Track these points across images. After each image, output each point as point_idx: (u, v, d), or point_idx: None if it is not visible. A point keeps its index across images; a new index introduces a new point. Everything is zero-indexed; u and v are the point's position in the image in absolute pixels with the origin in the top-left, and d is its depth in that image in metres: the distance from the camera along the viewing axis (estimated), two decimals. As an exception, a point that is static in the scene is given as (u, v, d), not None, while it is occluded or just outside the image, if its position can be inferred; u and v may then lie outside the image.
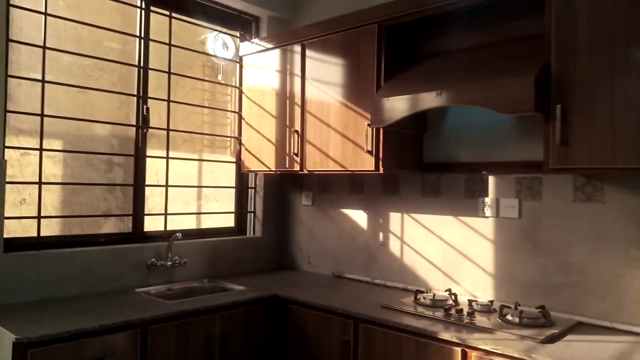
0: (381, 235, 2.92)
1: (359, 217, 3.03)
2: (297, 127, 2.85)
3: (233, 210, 3.36)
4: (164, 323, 2.18)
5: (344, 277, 3.07)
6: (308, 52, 2.81)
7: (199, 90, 3.31)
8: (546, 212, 2.29)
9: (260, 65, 3.08)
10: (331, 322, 2.37)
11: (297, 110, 2.86)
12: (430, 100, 2.17)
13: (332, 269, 3.16)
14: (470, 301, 2.34)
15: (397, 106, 2.28)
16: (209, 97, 3.40)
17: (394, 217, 2.86)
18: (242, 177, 3.37)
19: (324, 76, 2.73)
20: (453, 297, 2.38)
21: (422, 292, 2.47)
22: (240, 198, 3.38)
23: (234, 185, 3.36)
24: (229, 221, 3.33)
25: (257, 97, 3.10)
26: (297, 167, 2.85)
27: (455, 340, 1.93)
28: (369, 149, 2.49)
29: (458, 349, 1.92)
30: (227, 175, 3.36)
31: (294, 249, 3.39)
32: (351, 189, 3.08)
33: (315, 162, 2.76)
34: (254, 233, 3.38)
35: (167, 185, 2.96)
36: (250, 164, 3.13)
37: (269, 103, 3.02)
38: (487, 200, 2.47)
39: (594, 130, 1.82)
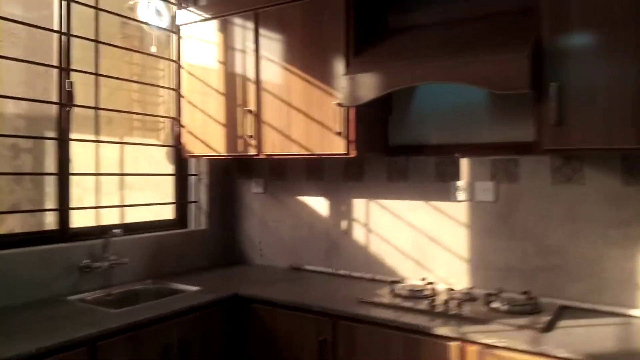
0: (344, 223, 2.73)
1: (319, 204, 2.81)
2: (252, 106, 2.56)
3: (172, 200, 2.99)
4: (115, 337, 1.83)
5: (303, 269, 2.85)
6: (262, 24, 2.52)
7: (126, 64, 2.89)
8: (523, 195, 2.23)
9: (203, 37, 2.73)
10: (304, 321, 2.15)
11: (251, 88, 2.56)
12: (412, 76, 2.00)
13: (289, 260, 2.92)
14: (449, 289, 2.24)
15: (374, 83, 2.08)
16: (138, 72, 2.99)
17: (358, 204, 2.68)
18: (181, 163, 3.01)
19: (282, 50, 2.46)
20: (430, 286, 2.26)
21: (397, 282, 2.33)
22: (180, 187, 3.01)
23: (172, 172, 2.99)
24: (164, 213, 2.95)
25: (200, 73, 2.75)
26: (252, 151, 2.57)
27: (451, 334, 1.80)
28: (338, 130, 2.28)
29: (455, 344, 1.79)
30: (154, 161, 2.98)
31: (244, 241, 3.11)
32: (309, 175, 2.85)
33: (274, 146, 2.49)
34: (198, 225, 3.04)
35: (97, 174, 2.55)
36: (194, 148, 2.78)
37: (216, 80, 2.69)
38: (460, 183, 2.37)
39: (589, 109, 1.75)
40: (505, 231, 2.27)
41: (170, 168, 2.98)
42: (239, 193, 3.13)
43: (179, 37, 2.92)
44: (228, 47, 2.65)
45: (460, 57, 1.91)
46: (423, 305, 2.06)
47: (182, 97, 2.84)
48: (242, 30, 2.59)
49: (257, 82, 2.55)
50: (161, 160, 3.00)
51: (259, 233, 3.05)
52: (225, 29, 2.65)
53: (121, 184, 2.86)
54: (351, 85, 2.14)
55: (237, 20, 2.60)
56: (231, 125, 2.64)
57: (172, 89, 2.97)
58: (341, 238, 2.74)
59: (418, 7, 2.35)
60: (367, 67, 2.14)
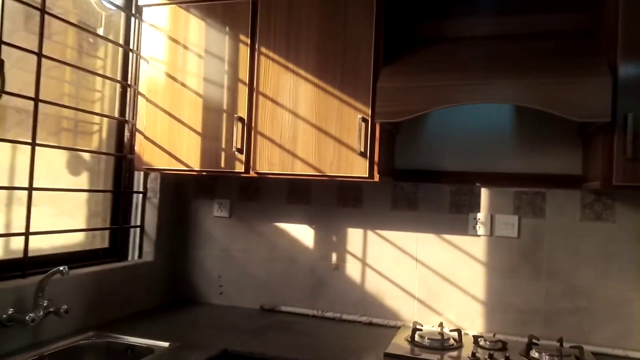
0: (334, 257, 2.35)
1: (303, 233, 2.40)
2: (242, 113, 2.08)
3: (101, 223, 2.34)
4: None
5: (277, 311, 2.39)
6: (263, 12, 2.07)
7: (59, 45, 2.22)
8: (549, 231, 2.07)
9: (176, 23, 2.19)
10: (325, 385, 1.72)
11: (243, 91, 2.09)
12: (472, 94, 1.73)
13: (257, 300, 2.44)
14: (475, 337, 1.98)
15: (422, 98, 1.78)
16: (73, 58, 2.33)
17: (354, 234, 2.32)
18: (120, 177, 2.38)
19: (288, 48, 2.04)
20: (452, 333, 1.99)
21: (420, 329, 2.01)
22: (119, 206, 2.37)
23: (111, 188, 2.35)
24: (84, 239, 2.28)
25: (169, 67, 2.20)
26: (239, 168, 2.08)
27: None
28: (361, 149, 1.92)
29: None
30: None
31: (198, 276, 2.55)
32: (292, 198, 2.42)
33: (272, 163, 2.04)
34: (140, 256, 2.42)
35: (31, 189, 1.86)
36: (153, 159, 2.20)
37: (192, 78, 2.16)
38: (480, 216, 2.15)
39: (666, 145, 1.64)
40: (528, 270, 2.09)
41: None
42: (196, 217, 2.57)
43: (139, 21, 2.33)
44: (211, 38, 2.14)
45: (530, 77, 1.69)
46: (453, 358, 1.77)
47: (142, 95, 2.24)
48: (233, 18, 2.11)
49: (251, 84, 2.08)
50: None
51: (219, 266, 2.52)
52: (209, 15, 2.15)
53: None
54: (390, 97, 1.81)
55: (226, 6, 2.12)
56: (211, 135, 2.12)
57: (126, 85, 2.35)
58: (330, 274, 2.35)
59: (452, 17, 2.11)
60: (409, 79, 1.83)
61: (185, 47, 2.18)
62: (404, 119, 1.81)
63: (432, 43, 2.03)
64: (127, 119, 2.35)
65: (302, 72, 2.01)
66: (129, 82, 2.35)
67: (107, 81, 2.33)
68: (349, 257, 2.32)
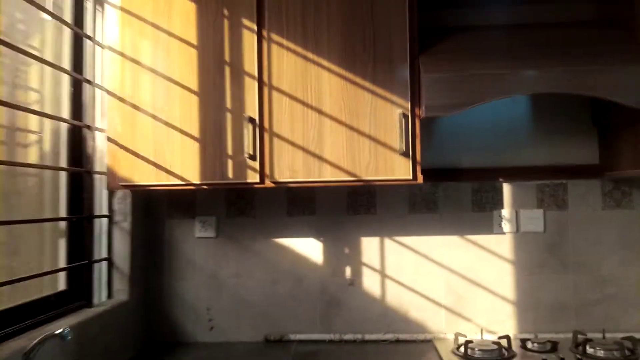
0: (348, 271, 2.09)
1: (309, 248, 2.10)
2: (253, 112, 1.73)
3: (57, 259, 1.82)
4: None
5: (287, 341, 2.07)
6: (267, -7, 1.75)
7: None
8: (573, 223, 2.04)
9: (151, 3, 1.76)
10: None
11: (251, 86, 1.74)
12: (527, 83, 1.60)
13: (259, 331, 2.09)
14: (523, 341, 1.87)
15: (476, 88, 1.60)
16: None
17: (369, 244, 2.09)
18: (78, 198, 1.87)
19: (306, 35, 1.74)
20: (500, 340, 1.86)
21: (470, 341, 1.84)
22: (79, 236, 1.86)
23: (65, 214, 1.83)
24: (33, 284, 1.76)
25: (149, 57, 1.76)
26: (252, 178, 1.73)
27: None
28: (402, 148, 1.69)
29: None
30: None
31: (181, 312, 2.11)
32: (293, 208, 2.11)
33: (294, 169, 1.72)
34: (110, 296, 1.93)
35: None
36: (134, 173, 1.75)
37: (181, 70, 1.75)
38: (505, 212, 2.05)
39: None
40: (556, 264, 2.04)
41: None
42: (173, 240, 2.13)
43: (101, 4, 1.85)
44: (204, 23, 1.75)
45: (582, 65, 1.60)
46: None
47: (111, 94, 1.77)
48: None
49: (262, 77, 1.74)
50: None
51: (206, 296, 2.11)
52: (198, -6, 1.76)
53: None
54: (441, 89, 1.61)
55: (222, -16, 1.75)
56: (213, 140, 1.73)
57: (86, 81, 1.84)
58: (345, 291, 2.08)
59: (470, 5, 1.96)
60: (456, 68, 1.64)
61: (169, 34, 1.75)
62: (453, 114, 1.62)
63: (455, 32, 1.87)
64: (88, 124, 1.85)
65: (325, 63, 1.72)
66: (88, 78, 1.85)
67: (48, 79, 1.80)
68: (365, 270, 2.08)
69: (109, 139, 1.77)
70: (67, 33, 1.82)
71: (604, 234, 2.03)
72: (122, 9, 1.77)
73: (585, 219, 2.03)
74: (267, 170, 1.73)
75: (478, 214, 2.06)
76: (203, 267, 2.11)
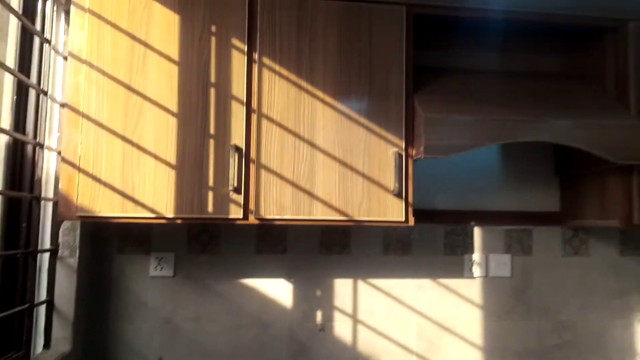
0: (319, 315, 1.95)
1: (278, 289, 1.94)
2: (239, 140, 1.58)
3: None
4: None
5: (250, 393, 1.87)
6: (263, 12, 1.62)
7: None
8: (537, 268, 2.09)
9: (127, 10, 1.56)
10: None
11: (238, 111, 1.59)
12: (524, 130, 1.62)
13: (219, 382, 1.87)
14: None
15: (476, 131, 1.59)
16: None
17: (342, 286, 1.97)
18: (15, 228, 1.57)
19: (300, 60, 1.63)
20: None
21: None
22: (11, 273, 1.55)
23: None
24: None
25: (121, 70, 1.55)
26: (235, 213, 1.56)
27: None
28: (396, 189, 1.63)
29: None
30: None
31: (129, 361, 1.83)
32: (262, 246, 1.94)
33: (282, 206, 1.58)
34: (47, 345, 1.62)
35: None
36: (95, 202, 1.50)
37: (159, 87, 1.56)
38: (475, 257, 2.05)
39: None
40: (521, 310, 2.06)
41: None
42: (123, 279, 1.86)
43: (66, 4, 1.60)
44: (188, 38, 1.58)
45: (576, 118, 1.66)
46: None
47: (69, 107, 1.52)
48: (222, 15, 1.60)
49: (250, 103, 1.60)
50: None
51: (159, 343, 1.86)
52: (184, 5, 1.59)
53: None
54: (441, 130, 1.58)
55: (212, -1, 1.60)
56: (193, 169, 1.55)
57: (41, 91, 1.56)
58: (315, 337, 1.94)
59: (459, 49, 1.98)
60: (454, 110, 1.63)
61: (147, 46, 1.56)
62: (456, 155, 1.59)
63: (444, 73, 1.87)
64: (38, 141, 1.57)
65: (320, 93, 1.63)
66: (42, 87, 1.58)
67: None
68: (337, 314, 1.96)
69: (65, 160, 1.51)
70: (12, 31, 1.55)
71: (564, 280, 2.10)
72: (90, 12, 1.55)
73: (548, 265, 2.09)
74: (251, 206, 1.57)
75: (450, 257, 2.04)
76: (157, 310, 1.86)
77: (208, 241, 1.92)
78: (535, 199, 2.11)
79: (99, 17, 1.54)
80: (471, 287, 2.04)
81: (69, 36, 1.64)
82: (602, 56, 1.88)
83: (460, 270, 2.04)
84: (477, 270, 2.04)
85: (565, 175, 2.10)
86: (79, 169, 1.50)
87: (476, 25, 1.81)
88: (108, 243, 1.85)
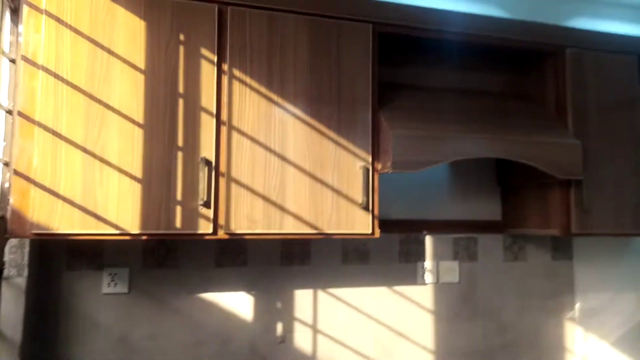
0: (280, 327, 1.95)
1: (239, 303, 1.91)
2: (209, 153, 1.54)
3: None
4: None
5: (210, 410, 1.82)
6: (233, 22, 1.59)
7: None
8: (482, 273, 2.23)
9: (88, 14, 1.47)
10: None
11: (208, 123, 1.54)
12: (477, 148, 1.72)
13: (177, 401, 1.81)
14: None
15: (440, 147, 1.67)
16: None
17: (302, 297, 1.98)
18: (-48, 245, 1.43)
19: (271, 72, 1.62)
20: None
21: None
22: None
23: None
24: None
25: (82, 77, 1.45)
26: (205, 228, 1.52)
27: None
28: (363, 202, 1.67)
29: None
30: None
31: (80, 385, 1.72)
32: (222, 259, 1.90)
33: (253, 220, 1.56)
34: (-10, 374, 1.49)
35: None
36: (52, 218, 1.39)
37: (123, 96, 1.48)
38: (427, 264, 2.15)
39: (603, 198, 1.97)
40: (468, 312, 2.19)
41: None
42: (72, 297, 1.73)
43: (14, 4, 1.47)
44: (154, 46, 1.52)
45: (525, 136, 1.79)
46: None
47: (23, 116, 1.40)
48: (190, 24, 1.55)
49: (220, 115, 1.56)
50: None
51: (112, 364, 1.76)
52: (150, 11, 1.52)
53: None
54: (408, 145, 1.64)
55: (179, 5, 1.55)
56: (160, 183, 1.48)
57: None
58: (275, 350, 1.93)
59: (420, 66, 2.06)
60: (420, 126, 1.70)
61: (109, 52, 1.47)
62: (421, 170, 1.66)
63: (408, 90, 1.94)
64: (-15, 152, 1.43)
65: (291, 107, 1.63)
66: (-7, 93, 1.44)
67: None
68: (297, 325, 1.96)
69: (17, 173, 1.38)
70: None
71: (505, 284, 2.25)
72: (47, 13, 1.44)
73: (491, 270, 2.24)
74: (221, 220, 1.54)
75: (404, 265, 2.12)
76: (110, 329, 1.76)
77: (165, 255, 1.84)
78: (479, 208, 2.25)
79: (57, 19, 1.43)
80: (423, 293, 2.13)
81: (15, 36, 1.52)
82: (543, 78, 2.05)
83: (414, 277, 2.13)
84: (428, 277, 2.14)
85: (507, 186, 2.25)
86: (34, 183, 1.38)
87: (435, 45, 1.89)
88: (56, 259, 1.73)
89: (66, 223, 1.40)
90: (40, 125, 1.40)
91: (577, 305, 2.33)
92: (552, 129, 1.89)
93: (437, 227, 2.17)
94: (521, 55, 2.05)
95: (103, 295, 1.77)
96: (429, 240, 2.16)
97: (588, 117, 1.98)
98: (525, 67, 2.13)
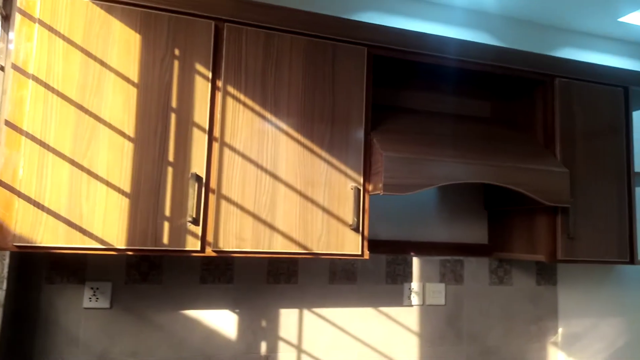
0: (264, 346, 1.92)
1: (223, 320, 1.88)
2: (199, 169, 1.52)
3: None
4: None
5: None
6: (229, 40, 1.59)
7: None
8: (467, 296, 2.23)
9: (83, 24, 1.45)
10: None
11: (200, 139, 1.53)
12: (468, 172, 1.73)
13: (156, 421, 1.77)
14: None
15: (430, 170, 1.68)
16: None
17: (287, 316, 1.96)
18: None
19: (265, 90, 1.62)
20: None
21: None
22: None
23: None
24: None
25: (72, 88, 1.43)
26: (192, 245, 1.49)
27: None
28: (354, 223, 1.66)
29: None
30: None
31: (56, 403, 1.66)
32: (207, 275, 1.87)
33: (242, 238, 1.54)
34: (-38, 390, 1.43)
35: None
36: (36, 231, 1.36)
37: (114, 109, 1.46)
38: (414, 285, 2.14)
39: (589, 225, 2.00)
40: (453, 336, 2.19)
41: None
42: (52, 311, 1.69)
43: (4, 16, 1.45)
44: (149, 60, 1.50)
45: (514, 162, 1.81)
46: None
47: (12, 125, 1.37)
48: (187, 41, 1.54)
49: (213, 131, 1.55)
50: None
51: (91, 381, 1.71)
52: (146, 26, 1.51)
53: None
54: (399, 168, 1.64)
55: (177, 20, 1.54)
56: (148, 198, 1.46)
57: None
58: (258, 368, 1.90)
59: (406, 89, 2.07)
60: (411, 149, 1.70)
61: (102, 64, 1.46)
62: (411, 193, 1.66)
63: (400, 112, 1.96)
64: (-31, 160, 1.39)
65: (284, 125, 1.62)
66: (-20, 101, 1.41)
67: None
68: (281, 345, 1.94)
69: (2, 184, 1.35)
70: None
71: (490, 308, 2.26)
72: (40, 22, 1.42)
73: (477, 294, 2.24)
74: (209, 238, 1.52)
75: (391, 286, 2.11)
76: (90, 345, 1.72)
77: (149, 270, 1.81)
78: (466, 231, 2.26)
79: (50, 29, 1.41)
80: (409, 315, 2.13)
81: (6, 44, 1.49)
82: (532, 106, 2.08)
83: (400, 298, 2.12)
84: (415, 299, 2.13)
85: (494, 211, 2.27)
86: (19, 194, 1.35)
87: (428, 69, 1.91)
88: (37, 272, 1.68)
89: (50, 236, 1.37)
90: (27, 135, 1.37)
91: (560, 330, 2.34)
92: (540, 156, 1.91)
93: (424, 248, 2.18)
94: (511, 83, 2.08)
95: (84, 309, 1.72)
96: (415, 262, 2.16)
97: (575, 145, 2.01)
98: (515, 94, 2.16)
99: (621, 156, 2.08)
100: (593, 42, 2.59)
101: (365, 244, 1.69)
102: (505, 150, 1.89)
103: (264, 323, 1.92)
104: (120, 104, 1.46)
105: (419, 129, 1.87)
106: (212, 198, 1.53)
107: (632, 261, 2.05)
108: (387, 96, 2.06)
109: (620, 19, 2.39)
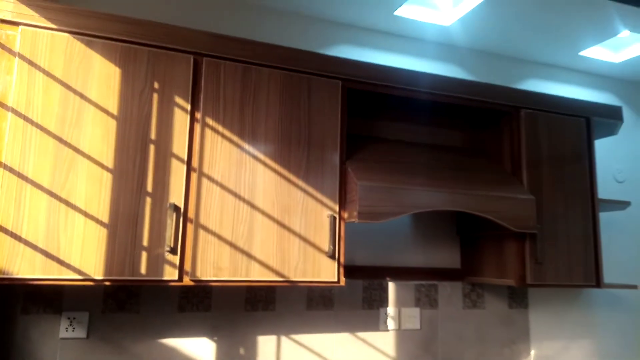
0: (241, 374, 1.93)
1: (201, 349, 1.88)
2: (178, 199, 1.55)
3: None
4: None
5: None
6: (208, 73, 1.64)
7: None
8: (442, 320, 2.28)
9: (63, 58, 1.49)
10: None
11: (178, 170, 1.56)
12: (439, 200, 1.80)
13: None
14: None
15: (403, 199, 1.74)
16: None
17: (265, 343, 1.97)
18: None
19: (242, 122, 1.66)
20: None
21: None
22: None
23: None
24: None
25: (50, 117, 1.45)
26: (170, 275, 1.51)
27: None
28: (329, 250, 1.71)
29: None
30: None
31: None
32: (185, 303, 1.88)
33: (219, 267, 1.57)
34: None
35: None
36: (12, 262, 1.37)
37: (93, 140, 1.48)
38: (390, 310, 2.18)
39: (556, 250, 2.08)
40: (428, 359, 2.22)
41: None
42: (28, 343, 1.67)
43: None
44: (129, 93, 1.54)
45: (482, 190, 1.88)
46: None
47: (-13, 155, 1.39)
48: (166, 73, 1.59)
49: (191, 162, 1.59)
50: None
51: (65, 414, 1.69)
52: (125, 59, 1.55)
53: None
54: (373, 197, 1.70)
55: (156, 55, 1.58)
56: (126, 228, 1.48)
57: None
58: (236, 397, 1.90)
59: (379, 120, 2.14)
60: (384, 178, 1.76)
61: (82, 97, 1.49)
62: (385, 221, 1.72)
63: (374, 142, 2.02)
64: (-54, 192, 1.39)
65: (261, 156, 1.67)
66: (-41, 133, 1.42)
67: None
68: (259, 372, 1.95)
69: (-21, 215, 1.36)
70: None
71: (464, 331, 2.30)
72: (20, 56, 1.44)
73: (451, 317, 2.29)
74: (187, 267, 1.54)
75: (367, 311, 2.15)
76: (64, 376, 1.70)
77: (126, 299, 1.81)
78: (440, 256, 2.32)
79: (31, 62, 1.44)
80: (386, 339, 2.16)
81: (-14, 76, 1.51)
82: (499, 135, 2.17)
83: (376, 323, 2.15)
84: (391, 324, 2.17)
85: (466, 236, 2.33)
86: (-4, 226, 1.36)
87: (401, 101, 1.99)
88: (11, 302, 1.67)
89: (27, 267, 1.37)
90: (5, 167, 1.39)
91: (533, 353, 2.40)
92: (508, 184, 1.99)
93: (399, 273, 2.22)
94: (480, 114, 2.17)
95: (60, 340, 1.71)
96: (391, 287, 2.21)
97: (542, 173, 2.10)
98: (484, 124, 2.25)
99: (585, 183, 2.18)
100: (557, 74, 2.72)
101: (342, 270, 1.73)
102: (474, 179, 1.97)
103: (242, 350, 1.93)
104: (99, 136, 1.49)
105: (392, 158, 1.93)
106: (190, 228, 1.55)
107: (598, 285, 2.13)
108: (362, 126, 2.13)
109: (581, 53, 2.52)
